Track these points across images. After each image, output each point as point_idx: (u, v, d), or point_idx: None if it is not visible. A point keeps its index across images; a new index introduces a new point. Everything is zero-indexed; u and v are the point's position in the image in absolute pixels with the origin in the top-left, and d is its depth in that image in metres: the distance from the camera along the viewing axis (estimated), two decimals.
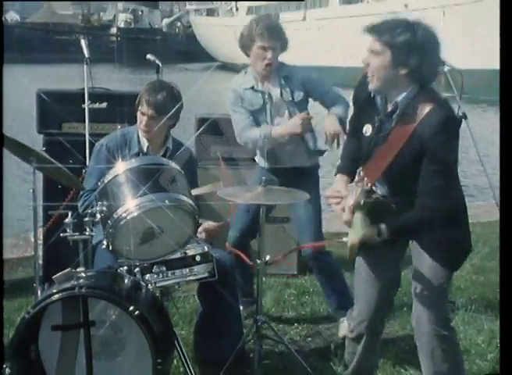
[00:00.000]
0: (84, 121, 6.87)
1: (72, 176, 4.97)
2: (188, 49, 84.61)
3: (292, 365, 5.38)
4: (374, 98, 4.33)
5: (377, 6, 52.72)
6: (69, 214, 4.58)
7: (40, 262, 6.44)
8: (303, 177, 5.88)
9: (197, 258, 4.88)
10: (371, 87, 4.22)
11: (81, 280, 4.45)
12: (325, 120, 5.84)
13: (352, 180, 4.43)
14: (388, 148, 4.18)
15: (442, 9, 43.04)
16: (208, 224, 5.35)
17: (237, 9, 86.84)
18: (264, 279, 5.41)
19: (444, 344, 4.44)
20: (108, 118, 7.10)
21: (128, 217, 4.45)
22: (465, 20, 42.73)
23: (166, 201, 4.48)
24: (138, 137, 5.47)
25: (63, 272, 4.58)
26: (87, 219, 4.54)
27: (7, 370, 4.33)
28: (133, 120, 5.56)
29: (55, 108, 6.98)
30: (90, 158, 5.96)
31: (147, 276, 4.75)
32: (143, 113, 5.35)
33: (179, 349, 4.83)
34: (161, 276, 4.79)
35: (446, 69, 5.81)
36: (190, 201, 4.61)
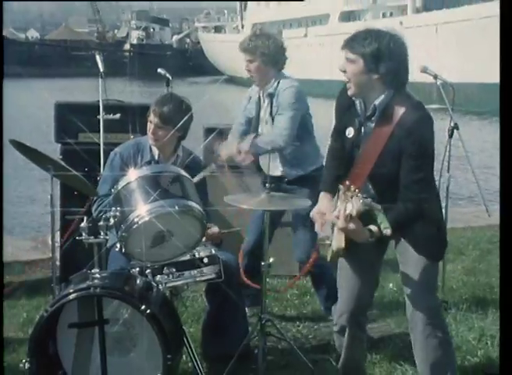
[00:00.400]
0: (99, 131, 6.88)
1: (88, 183, 4.97)
2: (196, 64, 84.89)
3: (294, 360, 5.37)
4: (354, 102, 4.38)
5: (374, 24, 52.77)
6: (85, 219, 4.59)
7: (58, 263, 6.44)
8: (302, 184, 5.88)
9: (205, 260, 4.88)
10: (350, 92, 4.31)
11: (96, 281, 4.45)
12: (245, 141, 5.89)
13: (333, 197, 4.51)
14: (370, 151, 4.23)
15: (435, 27, 43.15)
16: (212, 231, 5.33)
17: (243, 27, 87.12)
18: (268, 280, 5.40)
19: (437, 331, 4.45)
20: (121, 128, 7.10)
21: (140, 222, 4.46)
22: (456, 37, 42.76)
23: (176, 207, 4.50)
24: (150, 146, 5.47)
25: (79, 273, 4.59)
26: (101, 223, 4.54)
27: (26, 364, 4.35)
28: (144, 130, 5.56)
29: (72, 119, 6.99)
30: (104, 166, 5.96)
31: (158, 277, 4.75)
32: (150, 121, 5.36)
33: (187, 346, 4.83)
34: (171, 277, 4.80)
35: (438, 82, 5.82)
36: (199, 207, 4.62)
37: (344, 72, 4.27)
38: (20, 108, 33.66)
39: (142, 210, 4.48)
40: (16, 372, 5.12)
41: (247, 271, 5.87)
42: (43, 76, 58.12)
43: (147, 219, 4.46)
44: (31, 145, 4.82)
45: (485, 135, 28.39)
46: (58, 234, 6.56)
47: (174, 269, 4.81)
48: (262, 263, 5.11)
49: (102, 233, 4.53)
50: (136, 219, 4.47)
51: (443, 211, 4.60)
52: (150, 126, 5.37)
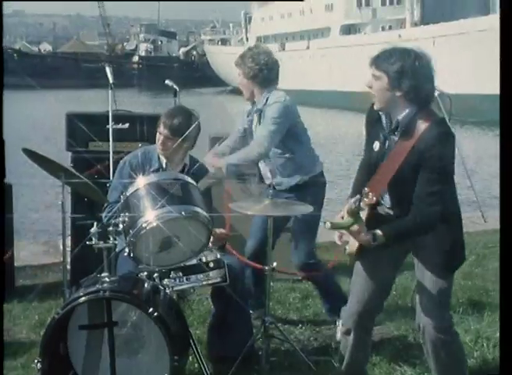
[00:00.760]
0: (108, 140, 6.89)
1: (97, 190, 4.98)
2: (203, 75, 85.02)
3: (296, 361, 5.36)
4: (380, 117, 4.38)
5: (373, 37, 52.98)
6: (95, 224, 4.59)
7: (69, 267, 6.44)
8: (303, 192, 5.87)
9: (211, 264, 4.88)
10: (375, 106, 4.33)
11: (105, 284, 4.46)
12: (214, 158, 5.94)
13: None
14: (391, 163, 4.23)
15: (432, 40, 43.18)
16: (219, 231, 5.33)
17: (247, 39, 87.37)
18: (271, 283, 5.39)
19: (448, 347, 4.44)
20: (130, 137, 7.11)
21: (148, 227, 4.47)
22: (453, 49, 42.79)
23: (182, 213, 4.50)
24: (158, 154, 5.47)
25: (89, 277, 4.59)
26: (110, 229, 4.55)
27: (38, 365, 4.35)
28: (152, 139, 5.57)
29: (82, 129, 6.99)
30: (113, 173, 5.96)
31: (165, 281, 4.75)
32: (160, 133, 5.36)
33: (194, 347, 4.82)
34: (177, 280, 4.80)
35: (436, 93, 5.81)
36: (204, 213, 4.62)
37: (370, 88, 4.28)
38: (33, 119, 33.76)
39: (150, 216, 4.49)
40: (29, 372, 5.16)
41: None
42: (55, 88, 58.19)
43: (154, 224, 4.47)
44: (43, 154, 4.82)
45: (481, 144, 28.41)
46: (68, 239, 6.56)
47: (181, 273, 4.81)
48: (266, 267, 5.13)
49: (111, 239, 4.54)
50: (144, 225, 4.48)
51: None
52: (159, 137, 5.37)
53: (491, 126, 34.60)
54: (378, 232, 4.12)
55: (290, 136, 5.84)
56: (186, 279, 4.82)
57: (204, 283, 4.90)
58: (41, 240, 9.47)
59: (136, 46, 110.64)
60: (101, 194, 5.13)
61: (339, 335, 5.66)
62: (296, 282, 7.05)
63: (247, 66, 5.81)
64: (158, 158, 5.46)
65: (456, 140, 5.79)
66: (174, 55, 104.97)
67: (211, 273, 4.86)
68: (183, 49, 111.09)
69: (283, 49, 67.89)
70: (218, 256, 4.94)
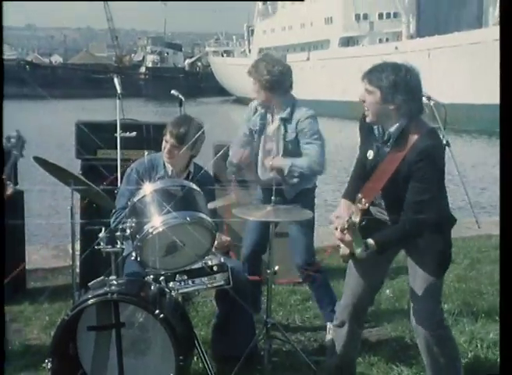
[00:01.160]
0: (116, 148, 6.88)
1: (105, 197, 4.97)
2: (207, 85, 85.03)
3: (297, 361, 5.35)
4: (373, 128, 4.41)
5: (371, 48, 53.05)
6: (103, 229, 4.59)
7: (78, 271, 6.43)
8: (299, 198, 5.86)
9: (215, 268, 4.87)
10: (368, 119, 4.35)
11: (113, 287, 4.45)
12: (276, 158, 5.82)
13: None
14: (382, 172, 4.26)
15: (427, 52, 43.25)
16: (223, 239, 5.32)
17: (250, 51, 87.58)
18: (273, 286, 5.39)
19: (441, 341, 4.49)
20: (137, 145, 7.10)
21: (154, 232, 4.47)
22: (447, 61, 42.82)
23: (188, 218, 4.50)
24: (164, 162, 5.47)
25: (97, 280, 4.58)
26: (118, 234, 4.55)
27: (49, 364, 4.36)
28: (158, 147, 5.56)
29: (91, 137, 6.99)
30: (121, 180, 5.96)
31: (171, 284, 4.74)
32: (166, 141, 5.35)
33: (198, 347, 4.81)
34: (183, 283, 4.79)
35: (431, 103, 5.81)
36: (209, 218, 4.62)
37: (363, 101, 4.30)
38: (44, 127, 33.75)
39: (156, 221, 4.49)
40: (39, 371, 5.15)
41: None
42: (65, 98, 58.22)
43: (160, 229, 4.47)
44: (54, 161, 4.82)
45: (475, 152, 28.41)
46: (78, 244, 6.56)
47: (186, 277, 4.80)
48: (268, 271, 5.13)
49: (119, 243, 4.54)
50: (150, 230, 4.47)
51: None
52: (166, 145, 5.37)
53: (484, 135, 34.65)
54: (370, 241, 4.18)
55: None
56: (191, 282, 4.82)
57: (209, 286, 4.89)
58: (52, 244, 9.45)
59: (144, 57, 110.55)
60: (109, 201, 5.13)
61: (329, 336, 5.66)
62: (296, 285, 7.04)
63: (263, 78, 5.74)
64: (164, 165, 5.46)
65: (450, 148, 5.82)
66: (180, 66, 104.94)
67: (215, 277, 4.86)
68: (188, 60, 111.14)
69: (285, 60, 67.92)
70: (222, 260, 4.94)
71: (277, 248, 5.94)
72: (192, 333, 4.77)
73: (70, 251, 5.27)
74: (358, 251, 4.18)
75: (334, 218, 4.55)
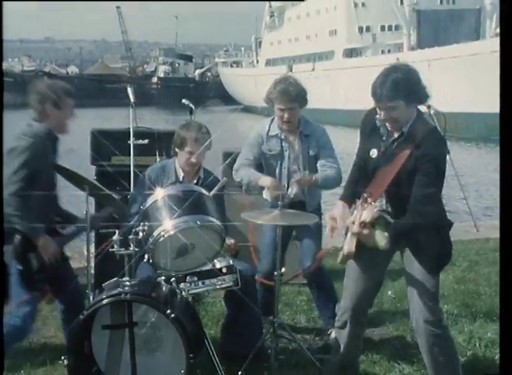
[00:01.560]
0: (130, 155, 6.89)
1: (119, 201, 4.97)
2: (216, 94, 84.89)
3: (303, 359, 5.34)
4: (377, 127, 4.41)
5: (374, 59, 53.00)
6: (117, 232, 4.60)
7: (92, 272, 6.43)
8: (318, 208, 5.91)
9: (224, 270, 4.87)
10: (395, 128, 4.31)
11: (126, 288, 4.46)
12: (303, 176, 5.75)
13: (350, 207, 4.52)
14: (389, 169, 4.26)
15: (427, 62, 43.11)
16: (230, 242, 5.31)
17: (258, 62, 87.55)
18: (280, 287, 5.38)
19: (440, 340, 4.48)
20: (150, 152, 7.10)
21: (166, 235, 4.47)
22: (447, 72, 42.77)
23: (198, 222, 4.50)
24: (175, 168, 5.47)
25: (111, 281, 4.58)
26: (131, 237, 4.55)
27: (65, 361, 4.38)
28: (170, 154, 5.56)
29: (106, 144, 7.00)
30: (134, 185, 5.96)
31: (182, 285, 4.74)
32: (191, 152, 5.33)
33: (208, 346, 4.79)
34: (193, 284, 4.79)
35: (432, 112, 5.82)
36: (218, 222, 4.62)
37: (390, 120, 4.27)
38: (60, 135, 33.77)
39: (167, 225, 4.49)
40: (56, 367, 5.16)
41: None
42: (81, 107, 57.91)
43: (172, 233, 4.47)
44: (69, 167, 4.82)
45: (473, 158, 28.35)
46: (92, 246, 6.56)
47: (196, 278, 4.80)
48: (275, 273, 5.13)
49: (132, 246, 4.54)
50: (162, 233, 4.48)
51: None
52: (188, 156, 5.35)
53: (482, 142, 34.59)
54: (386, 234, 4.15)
55: None
56: (201, 283, 4.82)
57: (218, 287, 4.89)
58: (67, 246, 9.45)
59: (156, 68, 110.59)
60: (122, 205, 5.13)
61: (333, 335, 5.65)
62: (302, 286, 7.03)
63: (298, 96, 5.76)
64: (175, 171, 5.47)
65: (450, 155, 5.81)
66: (190, 76, 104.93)
67: (224, 278, 4.86)
68: (198, 71, 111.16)
69: (291, 70, 67.85)
70: (231, 262, 4.94)
71: (287, 251, 5.97)
72: (202, 332, 4.77)
73: (85, 253, 5.26)
74: (383, 243, 4.18)
75: (329, 218, 4.58)
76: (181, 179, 5.44)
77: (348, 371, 4.96)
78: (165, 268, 4.67)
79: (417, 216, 4.18)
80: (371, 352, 5.54)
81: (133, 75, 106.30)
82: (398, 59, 48.02)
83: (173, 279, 4.71)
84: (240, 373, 4.98)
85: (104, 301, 4.40)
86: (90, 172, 6.97)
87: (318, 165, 5.86)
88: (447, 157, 5.51)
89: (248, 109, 57.66)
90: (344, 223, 4.47)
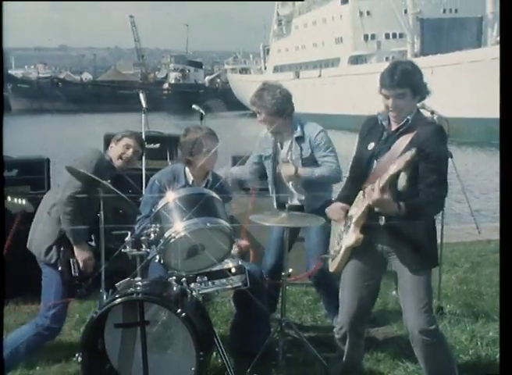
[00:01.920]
0: (142, 158, 6.89)
1: (131, 203, 4.98)
2: (226, 100, 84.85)
3: (310, 357, 5.33)
4: (376, 123, 4.42)
5: (378, 66, 52.96)
6: (129, 234, 4.60)
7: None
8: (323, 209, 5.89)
9: (233, 270, 4.87)
10: (399, 117, 4.29)
11: (138, 288, 4.47)
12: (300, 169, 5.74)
13: (346, 208, 4.51)
14: (390, 155, 4.20)
15: (431, 69, 42.95)
16: (241, 242, 5.32)
17: (265, 68, 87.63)
18: (287, 287, 5.39)
19: (436, 348, 4.39)
20: (161, 156, 7.11)
21: (176, 237, 4.48)
22: (449, 78, 42.70)
23: (208, 224, 4.52)
24: (185, 172, 5.46)
25: (124, 281, 4.59)
26: (143, 238, 4.56)
27: (79, 358, 4.40)
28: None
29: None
30: (146, 188, 5.96)
31: (192, 285, 4.75)
32: (205, 152, 5.33)
33: (217, 344, 4.80)
34: (203, 284, 4.80)
35: (435, 117, 5.80)
36: (227, 224, 4.63)
37: (396, 108, 4.26)
38: (75, 139, 33.85)
39: (178, 227, 4.50)
40: (71, 364, 5.17)
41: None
42: (94, 112, 58.45)
43: (182, 234, 4.48)
44: (84, 171, 4.84)
45: (475, 162, 28.29)
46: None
47: (206, 278, 4.81)
48: (282, 273, 5.12)
49: (144, 247, 4.55)
50: (173, 235, 4.50)
51: (439, 228, 4.53)
52: (205, 155, 5.34)
53: (484, 146, 34.53)
54: (402, 204, 4.09)
55: None
56: (211, 283, 4.82)
57: (227, 287, 4.90)
58: None
59: (167, 74, 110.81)
60: (135, 208, 5.14)
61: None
62: (309, 286, 7.02)
63: (269, 104, 5.71)
64: (185, 175, 5.46)
65: (452, 158, 5.79)
66: (200, 82, 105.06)
67: (233, 278, 4.86)
68: (208, 77, 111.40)
69: (298, 77, 67.99)
70: (240, 263, 4.94)
71: (294, 252, 5.96)
72: (211, 330, 4.77)
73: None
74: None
75: (329, 211, 4.64)
76: (190, 182, 5.44)
77: (352, 374, 4.94)
78: (175, 268, 4.68)
79: (432, 196, 4.12)
80: (376, 351, 5.54)
81: (145, 81, 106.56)
82: None
83: (184, 279, 4.72)
84: (248, 370, 4.98)
85: (117, 301, 4.41)
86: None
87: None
88: (450, 161, 5.52)
89: (256, 115, 57.54)
90: (344, 214, 4.49)
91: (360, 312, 4.61)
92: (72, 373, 5.10)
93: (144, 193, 5.83)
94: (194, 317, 4.45)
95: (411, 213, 4.14)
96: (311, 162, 5.81)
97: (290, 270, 5.15)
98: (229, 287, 4.90)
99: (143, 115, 7.48)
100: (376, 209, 4.17)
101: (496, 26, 48.83)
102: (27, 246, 5.18)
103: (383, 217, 4.21)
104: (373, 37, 63.26)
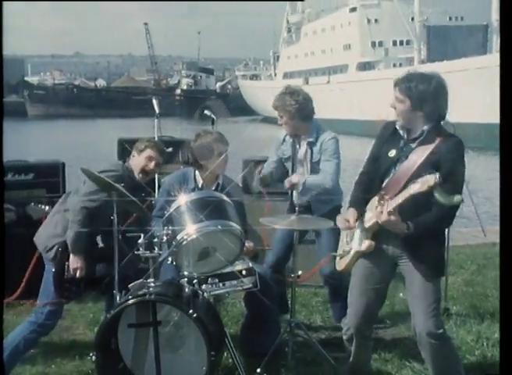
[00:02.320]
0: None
1: (142, 208, 4.99)
2: (236, 106, 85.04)
3: (318, 357, 5.33)
4: (396, 131, 4.37)
5: (386, 72, 52.97)
6: (142, 236, 4.60)
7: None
8: (332, 213, 5.88)
9: (243, 272, 4.88)
10: (399, 124, 4.32)
11: (151, 289, 4.48)
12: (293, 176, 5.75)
13: (359, 213, 4.45)
14: (407, 166, 4.19)
15: None
16: (249, 245, 5.30)
17: (275, 75, 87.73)
18: (296, 289, 5.38)
19: (443, 351, 4.38)
20: (173, 160, 7.12)
21: (188, 239, 4.48)
22: (455, 84, 42.60)
23: (219, 227, 4.51)
24: (195, 175, 5.46)
25: (137, 282, 4.60)
26: (155, 240, 4.56)
27: (93, 357, 4.41)
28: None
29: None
30: (158, 191, 5.97)
31: (203, 286, 4.75)
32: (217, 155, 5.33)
33: (228, 344, 4.79)
34: (214, 286, 4.80)
35: (441, 122, 5.79)
36: (238, 227, 4.62)
37: (394, 108, 4.29)
38: (89, 143, 34.02)
39: (190, 229, 4.50)
40: (85, 362, 5.18)
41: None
42: (109, 117, 58.72)
43: (194, 236, 4.48)
44: (97, 174, 4.85)
45: (480, 167, 28.21)
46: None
47: (217, 280, 4.81)
48: (292, 275, 5.12)
49: (156, 249, 4.55)
50: (185, 237, 4.50)
51: (446, 231, 4.51)
52: (218, 158, 5.35)
53: (489, 151, 34.42)
54: (410, 224, 4.09)
55: None
56: (222, 284, 4.83)
57: (238, 288, 4.90)
58: None
59: (179, 81, 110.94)
60: (146, 211, 5.15)
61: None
62: (318, 288, 7.02)
63: (292, 108, 5.72)
64: (195, 178, 5.45)
65: None
66: (211, 88, 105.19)
67: (243, 280, 4.86)
68: (219, 83, 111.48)
69: (307, 83, 67.92)
70: (250, 265, 4.94)
71: (302, 254, 5.95)
72: (223, 331, 4.77)
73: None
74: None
75: (341, 220, 4.57)
76: (200, 185, 5.43)
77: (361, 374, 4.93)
78: (187, 270, 4.68)
79: (442, 211, 4.05)
80: (384, 351, 5.52)
81: (158, 87, 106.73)
82: None
83: (195, 280, 4.72)
84: (258, 369, 4.98)
85: (130, 301, 4.42)
86: None
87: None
88: None
89: (267, 120, 57.64)
90: (356, 223, 4.43)
91: (368, 314, 4.59)
92: (87, 371, 5.10)
93: (156, 196, 5.84)
94: (206, 318, 4.45)
95: (421, 231, 4.15)
96: (317, 166, 5.82)
97: (300, 272, 5.14)
98: (240, 288, 4.91)
99: (156, 120, 7.49)
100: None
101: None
102: (34, 238, 5.19)
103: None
104: (380, 44, 63.22)
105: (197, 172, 5.44)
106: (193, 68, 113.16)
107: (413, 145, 4.26)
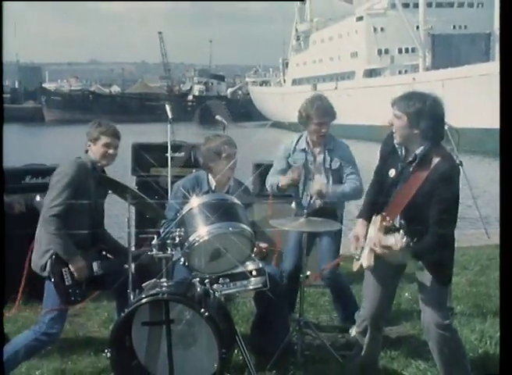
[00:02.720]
0: (167, 166, 6.92)
1: (157, 209, 4.99)
2: (247, 111, 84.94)
3: (326, 355, 5.33)
4: (396, 148, 4.40)
5: (391, 79, 52.92)
6: (155, 237, 4.61)
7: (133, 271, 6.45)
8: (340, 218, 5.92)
9: (254, 272, 4.86)
10: (395, 141, 4.35)
11: (164, 288, 4.49)
12: (315, 182, 5.78)
13: (368, 222, 4.52)
14: (406, 190, 4.24)
15: (441, 82, 42.90)
16: (264, 245, 5.31)
17: (285, 81, 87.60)
18: (305, 289, 5.38)
19: (449, 342, 4.45)
20: (186, 164, 7.13)
21: (200, 240, 4.48)
22: (459, 90, 42.51)
23: (230, 228, 4.51)
24: (208, 178, 5.47)
25: (150, 281, 4.61)
26: (168, 241, 4.56)
27: (108, 354, 4.42)
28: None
29: (146, 157, 7.05)
30: (170, 194, 5.97)
31: (215, 286, 4.74)
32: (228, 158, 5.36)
33: (239, 342, 4.79)
34: (225, 286, 4.79)
35: (446, 127, 5.77)
36: (249, 228, 4.62)
37: (391, 125, 4.31)
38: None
39: (202, 231, 4.50)
40: (100, 359, 5.21)
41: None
42: (123, 122, 58.31)
43: (206, 238, 4.48)
44: (113, 177, 4.86)
45: (484, 170, 28.14)
46: (133, 250, 6.57)
47: (228, 280, 4.80)
48: (301, 275, 5.13)
49: (169, 250, 4.55)
50: (197, 239, 4.49)
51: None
52: (229, 160, 5.37)
53: (492, 155, 34.32)
54: (406, 252, 4.11)
55: None
56: (233, 284, 4.82)
57: (248, 288, 4.89)
58: None
59: (191, 87, 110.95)
60: (160, 212, 5.15)
61: (353, 333, 5.60)
62: (326, 288, 7.01)
63: (329, 111, 5.87)
64: (208, 181, 5.46)
65: (463, 167, 5.78)
66: (223, 94, 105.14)
67: (253, 280, 4.85)
68: (230, 89, 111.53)
69: (315, 89, 67.86)
70: (260, 265, 4.93)
71: (312, 255, 5.96)
72: (233, 329, 4.76)
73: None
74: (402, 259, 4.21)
75: (353, 238, 4.60)
76: (213, 188, 5.44)
77: (369, 370, 4.94)
78: (199, 270, 4.68)
79: (437, 237, 4.15)
80: (390, 349, 5.51)
81: (171, 93, 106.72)
82: (414, 79, 47.98)
83: (207, 280, 4.71)
84: (268, 367, 4.98)
85: (144, 300, 4.43)
86: (130, 182, 7.02)
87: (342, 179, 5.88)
88: (461, 169, 5.49)
89: (276, 125, 57.64)
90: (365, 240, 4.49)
91: (382, 306, 4.68)
92: (102, 367, 5.11)
93: (169, 198, 5.85)
94: (217, 316, 4.45)
95: (416, 257, 4.24)
96: (337, 173, 5.84)
97: (308, 273, 5.14)
98: (250, 288, 4.89)
99: (168, 125, 7.49)
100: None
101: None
102: (32, 267, 5.04)
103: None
104: (386, 51, 63.13)
105: (209, 175, 5.46)
106: (205, 75, 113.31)
107: (410, 169, 4.30)
